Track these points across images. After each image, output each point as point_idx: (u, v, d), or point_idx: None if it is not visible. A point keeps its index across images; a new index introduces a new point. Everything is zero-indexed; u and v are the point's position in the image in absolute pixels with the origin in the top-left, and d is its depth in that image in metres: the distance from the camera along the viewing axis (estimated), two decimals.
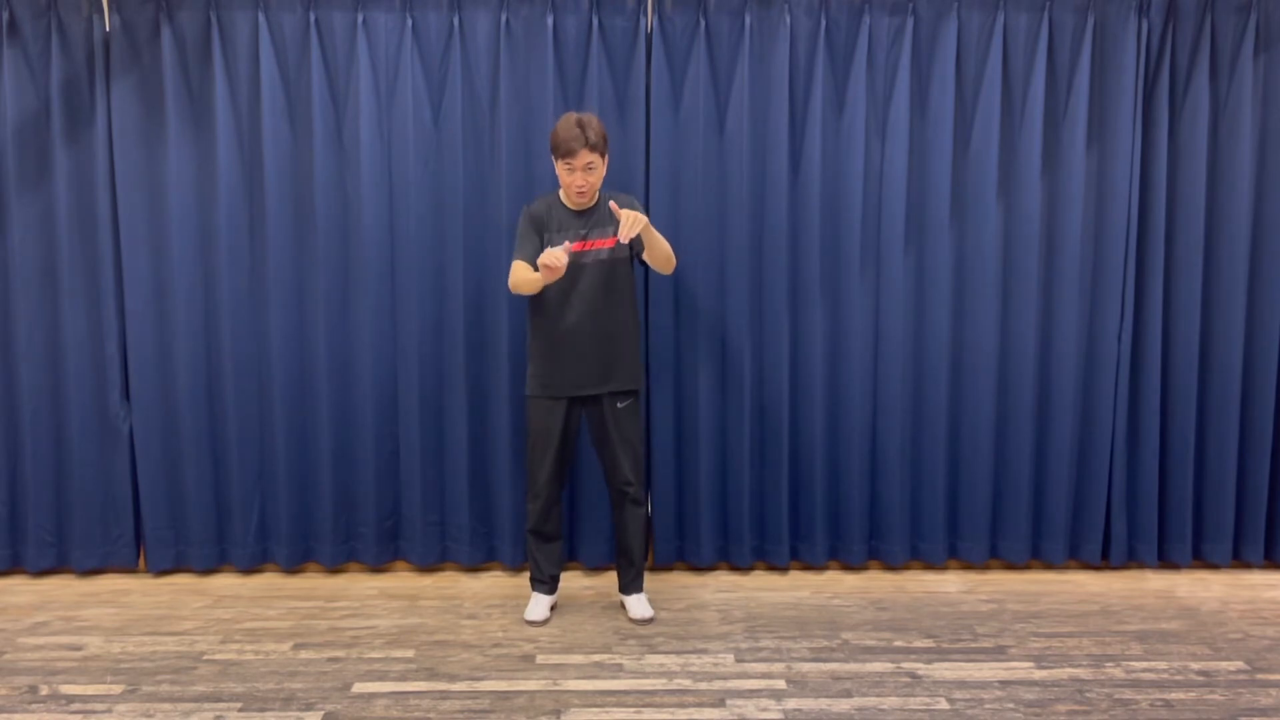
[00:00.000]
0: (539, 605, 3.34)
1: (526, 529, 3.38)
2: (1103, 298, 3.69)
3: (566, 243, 3.05)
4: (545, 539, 3.36)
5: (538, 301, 3.21)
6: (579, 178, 3.10)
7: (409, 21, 3.51)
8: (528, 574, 3.54)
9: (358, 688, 2.82)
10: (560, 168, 3.11)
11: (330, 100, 3.55)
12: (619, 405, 3.28)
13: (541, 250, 3.16)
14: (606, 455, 3.31)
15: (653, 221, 3.57)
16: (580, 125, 3.04)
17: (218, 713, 2.68)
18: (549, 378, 3.24)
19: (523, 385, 3.64)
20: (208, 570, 3.77)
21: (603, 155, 3.13)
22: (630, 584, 3.39)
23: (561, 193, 3.22)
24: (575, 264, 3.16)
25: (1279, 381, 3.75)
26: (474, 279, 3.63)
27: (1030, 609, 3.44)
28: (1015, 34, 3.60)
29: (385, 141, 3.58)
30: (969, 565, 3.85)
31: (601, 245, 3.18)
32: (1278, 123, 3.66)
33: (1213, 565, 3.85)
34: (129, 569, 3.78)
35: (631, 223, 2.93)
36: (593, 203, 3.22)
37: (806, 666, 2.97)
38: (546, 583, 3.38)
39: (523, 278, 3.11)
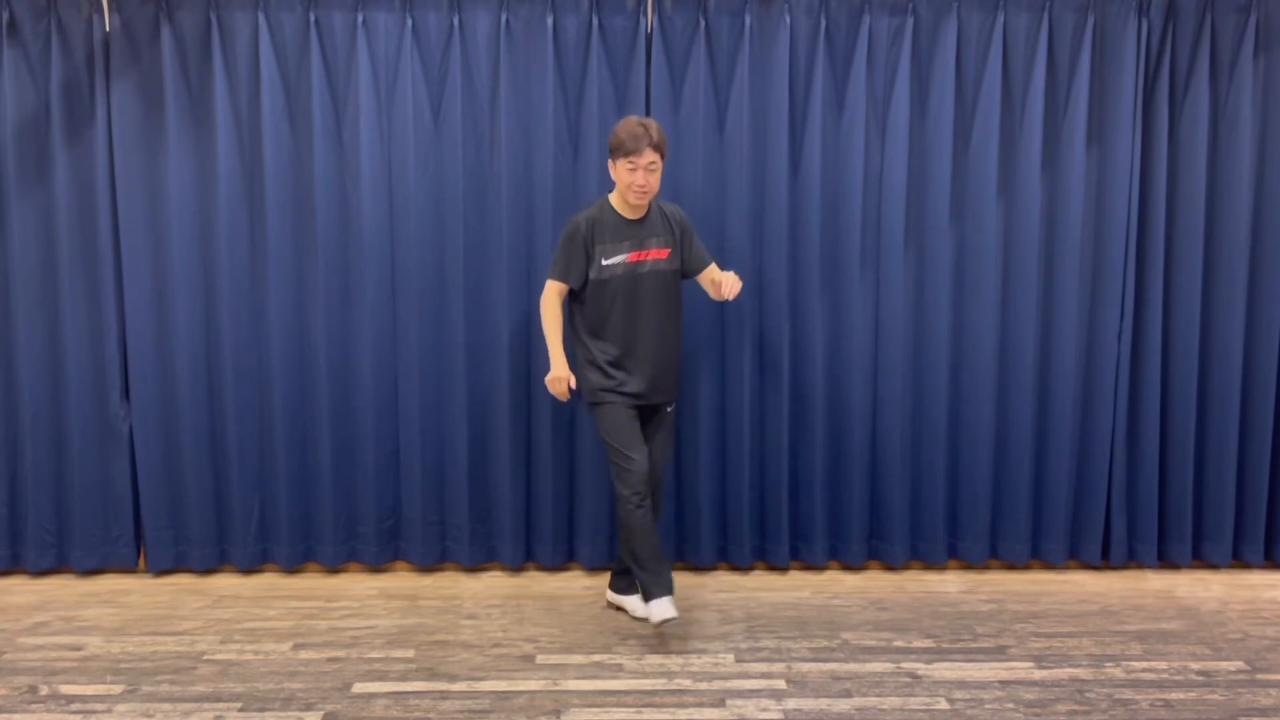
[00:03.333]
0: (668, 604, 3.10)
1: (634, 538, 3.12)
2: (1103, 297, 3.69)
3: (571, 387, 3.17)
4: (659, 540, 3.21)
5: (596, 311, 3.16)
6: (640, 176, 3.06)
7: (409, 21, 3.51)
8: (535, 573, 3.56)
9: (358, 688, 2.82)
10: (622, 167, 3.07)
11: (330, 100, 3.55)
12: (667, 410, 3.30)
13: (585, 272, 3.14)
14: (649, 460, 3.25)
15: None
16: (643, 125, 3.04)
17: (218, 713, 2.68)
18: (621, 385, 3.17)
19: (523, 385, 3.66)
20: (208, 570, 3.77)
21: (663, 157, 3.11)
22: (630, 585, 3.39)
23: (613, 198, 3.18)
24: (634, 274, 3.14)
25: (1279, 381, 3.75)
26: (474, 279, 3.63)
27: (1030, 609, 3.44)
28: (1015, 34, 3.60)
29: (385, 141, 3.58)
30: (969, 565, 3.85)
31: (658, 255, 3.18)
32: (1278, 123, 3.66)
33: (1212, 565, 3.85)
34: (129, 569, 3.78)
35: (734, 285, 3.12)
36: (646, 210, 3.20)
37: (806, 666, 2.97)
38: (669, 582, 3.15)
39: (549, 317, 3.17)
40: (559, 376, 3.16)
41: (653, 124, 3.07)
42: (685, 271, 3.29)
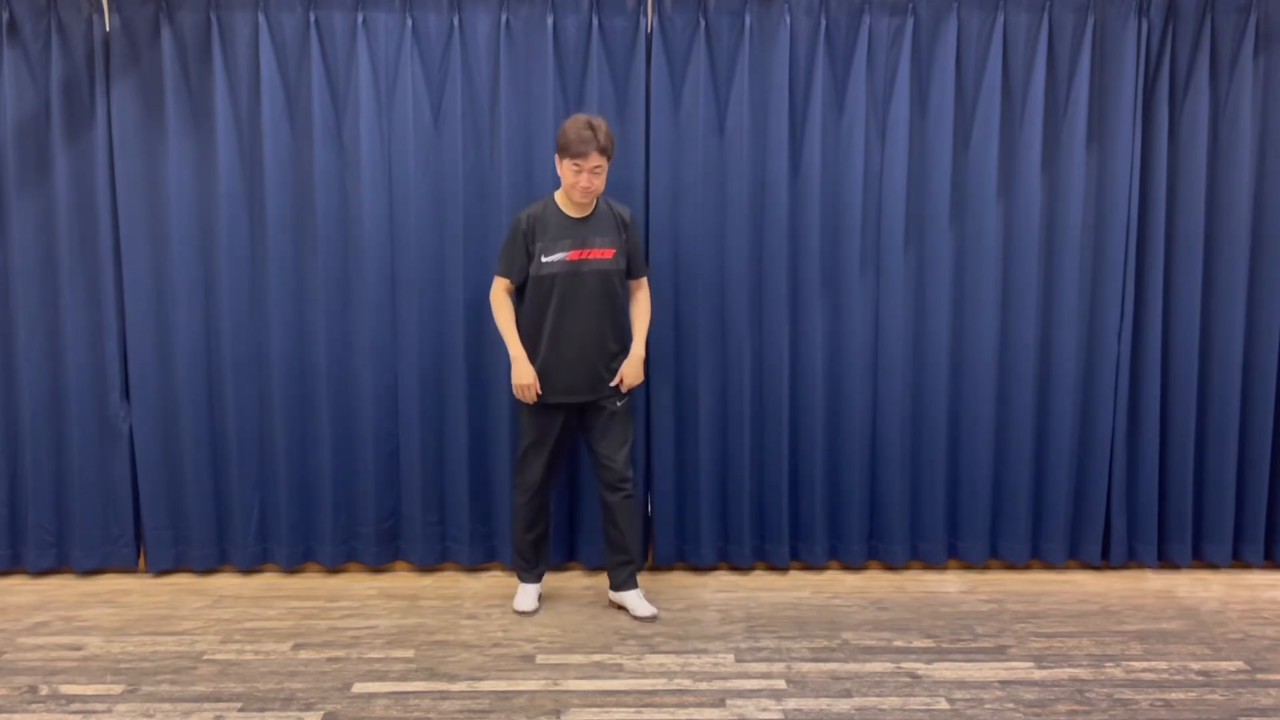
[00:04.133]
0: (528, 596, 3.42)
1: (516, 525, 3.42)
2: (1103, 297, 3.69)
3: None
4: (538, 538, 3.42)
5: (533, 307, 3.23)
6: (585, 179, 3.10)
7: (409, 21, 3.51)
8: (546, 577, 3.58)
9: (358, 688, 2.82)
10: (567, 167, 3.11)
11: (330, 100, 3.55)
12: (617, 404, 3.32)
13: (527, 268, 3.21)
14: (602, 454, 3.33)
15: (653, 224, 3.60)
16: (591, 127, 3.05)
17: (218, 713, 2.68)
18: (544, 384, 3.25)
19: None
20: (208, 570, 3.77)
21: (609, 159, 3.14)
22: (628, 580, 3.39)
23: (559, 196, 3.23)
24: (574, 272, 3.18)
25: (1279, 381, 3.75)
26: (474, 278, 3.62)
27: (1030, 609, 3.44)
28: (1015, 34, 3.60)
29: (385, 141, 3.58)
30: (969, 565, 3.85)
31: (600, 255, 3.20)
32: (1278, 123, 3.66)
33: (1213, 565, 3.85)
34: (129, 569, 3.78)
35: (634, 381, 3.33)
36: (592, 209, 3.23)
37: (806, 666, 2.97)
38: (535, 575, 3.45)
39: (501, 313, 3.25)
40: (525, 384, 3.22)
41: (601, 125, 3.08)
42: (630, 272, 3.34)
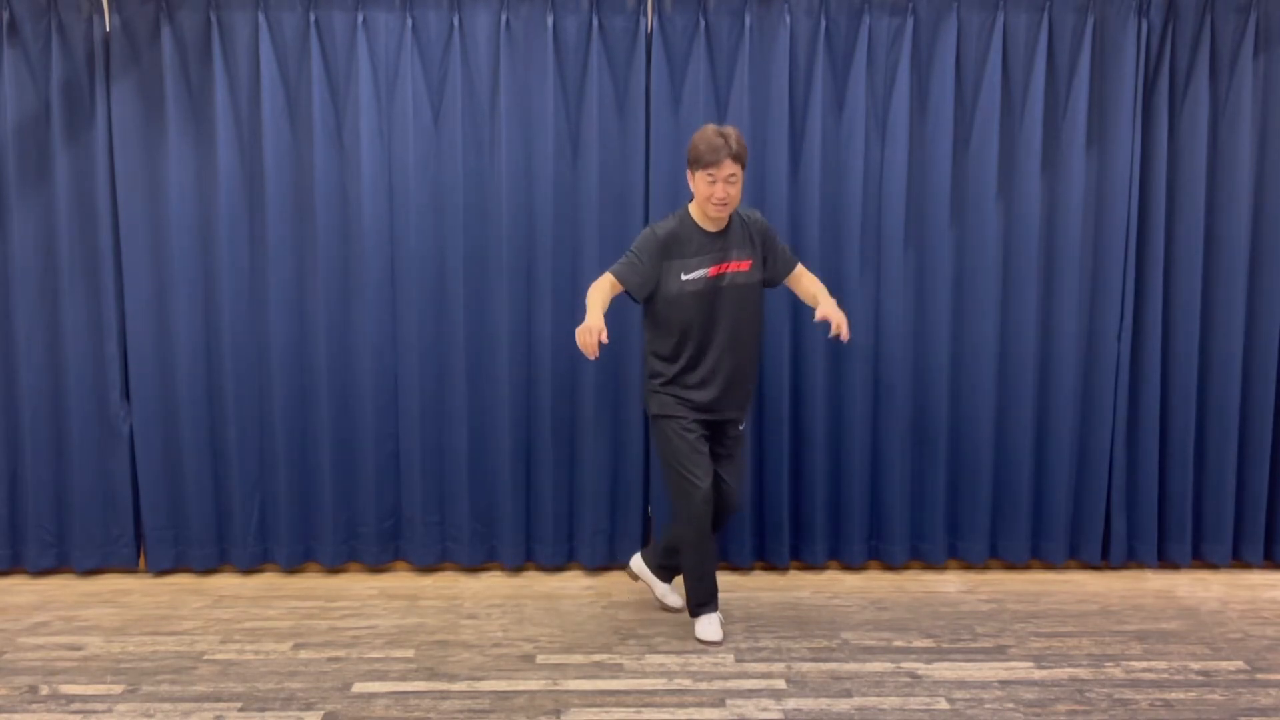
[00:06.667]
0: (715, 623, 3.19)
1: (704, 568, 3.14)
2: (1102, 298, 3.69)
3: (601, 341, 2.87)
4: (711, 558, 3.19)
5: (675, 327, 3.04)
6: (720, 189, 2.93)
7: (409, 21, 3.51)
8: (535, 574, 3.55)
9: (358, 688, 2.82)
10: (700, 179, 2.96)
11: (330, 100, 3.55)
12: (739, 428, 3.20)
13: (651, 284, 3.03)
14: (724, 478, 3.16)
15: (654, 220, 3.57)
16: (722, 135, 2.92)
17: (218, 713, 2.68)
18: (693, 399, 3.06)
19: (523, 385, 3.66)
20: (208, 570, 3.77)
21: (744, 166, 2.98)
22: (661, 570, 3.34)
23: (693, 210, 3.05)
24: (714, 288, 3.02)
25: (1279, 381, 3.75)
26: (474, 278, 3.63)
27: (1030, 609, 3.44)
28: (1015, 34, 3.60)
29: (385, 141, 3.58)
30: (969, 565, 3.85)
31: (739, 268, 3.05)
32: (1278, 123, 3.66)
33: (1212, 565, 3.85)
34: (129, 569, 3.78)
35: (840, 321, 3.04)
36: (727, 222, 3.07)
37: (806, 666, 2.97)
38: (716, 600, 3.22)
39: (596, 295, 2.95)
40: (589, 326, 2.84)
41: (732, 133, 2.94)
42: (770, 279, 3.18)
